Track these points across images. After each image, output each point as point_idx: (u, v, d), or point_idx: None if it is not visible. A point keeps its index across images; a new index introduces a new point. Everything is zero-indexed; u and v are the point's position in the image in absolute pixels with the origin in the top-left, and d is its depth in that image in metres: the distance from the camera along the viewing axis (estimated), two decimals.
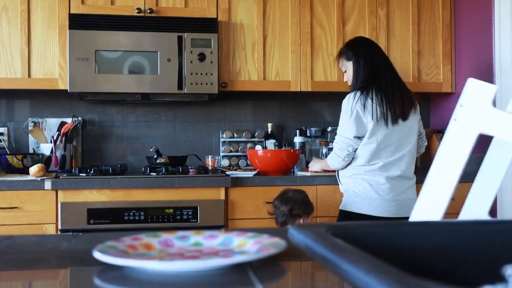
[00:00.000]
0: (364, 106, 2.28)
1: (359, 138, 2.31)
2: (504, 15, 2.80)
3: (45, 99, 3.19)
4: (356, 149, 2.32)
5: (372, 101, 2.28)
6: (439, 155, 1.29)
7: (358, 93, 2.31)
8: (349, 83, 2.49)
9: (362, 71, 2.38)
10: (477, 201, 1.39)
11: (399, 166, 2.32)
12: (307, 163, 3.22)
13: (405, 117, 2.34)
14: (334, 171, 2.51)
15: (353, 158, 2.35)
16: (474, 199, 1.40)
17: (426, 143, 2.58)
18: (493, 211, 2.86)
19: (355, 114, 2.28)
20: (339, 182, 2.48)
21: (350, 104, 2.31)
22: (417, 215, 1.15)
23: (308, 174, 2.85)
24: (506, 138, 1.29)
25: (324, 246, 0.70)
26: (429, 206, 1.25)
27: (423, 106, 3.56)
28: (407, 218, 2.39)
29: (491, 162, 1.42)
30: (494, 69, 2.87)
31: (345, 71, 2.49)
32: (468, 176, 3.28)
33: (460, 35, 3.21)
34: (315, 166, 2.75)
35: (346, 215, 2.36)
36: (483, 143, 3.13)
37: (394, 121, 2.30)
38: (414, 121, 2.39)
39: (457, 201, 3.23)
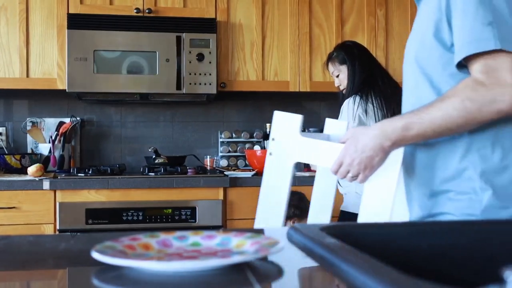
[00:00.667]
0: (366, 111, 2.26)
1: None
2: None
3: (43, 99, 3.19)
4: None
5: (373, 106, 2.27)
6: (264, 187, 1.35)
7: (358, 98, 2.29)
8: (341, 87, 2.46)
9: (358, 74, 2.37)
10: (317, 218, 1.47)
11: None
12: (305, 163, 3.22)
13: None
14: None
15: None
16: (314, 217, 1.48)
17: None
18: None
19: (357, 120, 2.26)
20: (338, 184, 2.47)
21: (351, 110, 2.29)
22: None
23: (307, 174, 2.85)
24: (318, 163, 1.34)
25: (322, 246, 0.70)
26: (267, 223, 1.33)
27: None
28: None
29: (320, 188, 1.49)
30: None
31: (337, 76, 2.45)
32: None
33: None
34: None
35: (348, 216, 2.35)
36: None
37: None
38: None
39: None
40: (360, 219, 1.27)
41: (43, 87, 2.87)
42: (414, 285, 0.50)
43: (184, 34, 2.88)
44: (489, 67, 1.10)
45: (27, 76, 2.85)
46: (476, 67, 1.12)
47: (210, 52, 2.89)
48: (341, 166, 1.25)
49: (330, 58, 2.49)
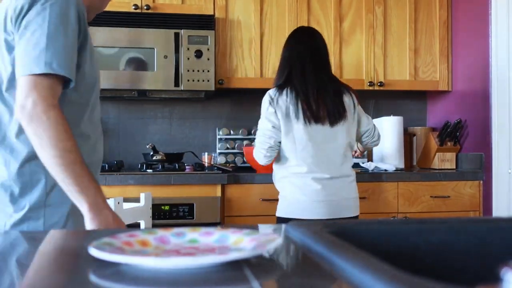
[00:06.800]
0: (277, 103, 2.19)
1: (279, 130, 2.20)
2: (500, 14, 2.81)
3: None
4: (279, 142, 2.21)
5: (288, 98, 2.18)
6: None
7: (275, 90, 2.23)
8: None
9: (281, 66, 2.30)
10: None
11: (327, 167, 2.19)
12: None
13: (329, 122, 2.20)
14: None
15: (279, 160, 2.25)
16: None
17: (375, 139, 2.41)
18: (488, 209, 2.87)
19: (272, 110, 2.19)
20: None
21: (266, 101, 2.24)
22: None
23: None
24: None
25: (321, 244, 0.70)
26: None
27: (420, 104, 3.57)
28: (345, 218, 2.29)
29: None
30: (490, 67, 2.88)
31: None
32: (465, 174, 3.28)
33: (457, 33, 3.22)
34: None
35: (281, 222, 2.15)
36: (483, 141, 3.17)
37: (312, 122, 2.18)
38: (342, 127, 2.23)
39: (453, 199, 3.25)
40: None
41: None
42: (412, 282, 0.50)
43: (182, 30, 2.87)
44: None
45: None
46: None
47: (208, 49, 2.89)
48: None
49: None
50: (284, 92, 2.21)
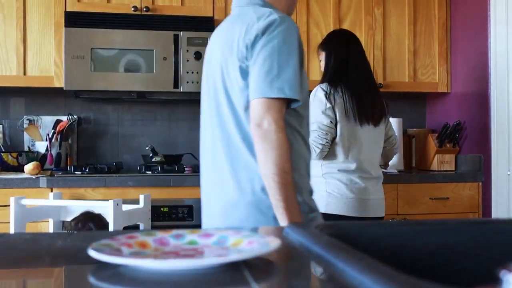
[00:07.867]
0: (334, 99, 2.21)
1: (335, 125, 2.22)
2: (499, 16, 2.81)
3: (40, 96, 3.18)
4: (334, 138, 2.22)
5: (344, 95, 2.21)
6: None
7: (328, 86, 2.24)
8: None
9: (331, 64, 2.31)
10: None
11: (371, 166, 2.26)
12: None
13: (375, 122, 2.28)
14: None
15: (325, 156, 2.24)
16: None
17: (397, 146, 2.47)
18: (487, 210, 2.87)
19: (329, 105, 2.21)
20: None
21: (322, 95, 2.23)
22: None
23: None
24: None
25: (319, 245, 0.70)
26: None
27: (419, 106, 3.57)
28: (381, 218, 2.34)
29: None
30: (490, 69, 2.88)
31: (321, 61, 2.43)
32: (465, 176, 3.29)
33: (456, 35, 3.22)
34: None
35: (325, 218, 2.16)
36: (482, 143, 3.17)
37: (363, 122, 2.24)
38: (382, 127, 2.34)
39: (452, 200, 3.25)
40: None
41: (40, 84, 2.86)
42: (410, 283, 0.50)
43: (181, 32, 2.87)
44: None
45: (24, 73, 2.84)
46: None
47: None
48: None
49: (320, 43, 2.47)
50: (339, 88, 2.23)
